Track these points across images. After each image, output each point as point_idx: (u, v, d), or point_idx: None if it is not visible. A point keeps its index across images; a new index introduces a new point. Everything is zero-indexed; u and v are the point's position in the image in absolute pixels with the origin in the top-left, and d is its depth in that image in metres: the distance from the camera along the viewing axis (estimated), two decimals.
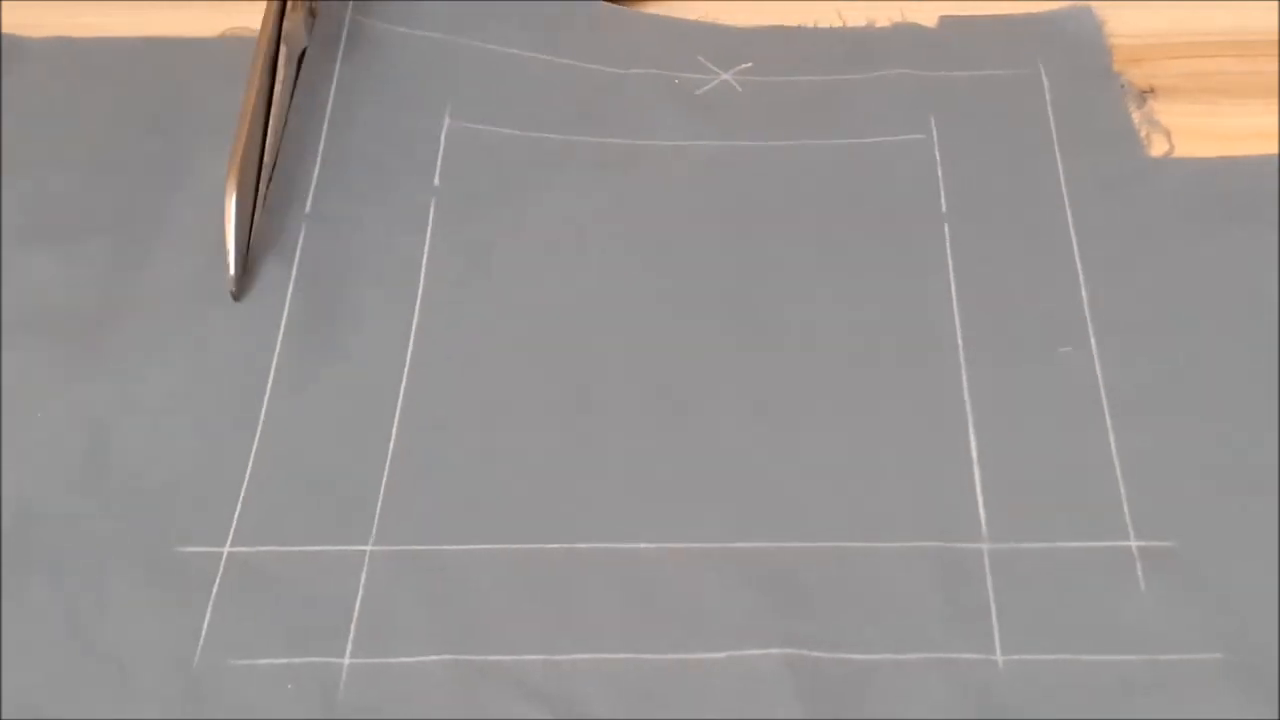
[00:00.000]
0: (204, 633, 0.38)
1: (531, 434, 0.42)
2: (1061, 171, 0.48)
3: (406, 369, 0.43)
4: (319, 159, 0.48)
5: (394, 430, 0.42)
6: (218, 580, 0.39)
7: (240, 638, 0.37)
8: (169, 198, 0.47)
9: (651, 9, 0.55)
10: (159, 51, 0.52)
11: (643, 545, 0.39)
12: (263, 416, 0.42)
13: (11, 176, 0.48)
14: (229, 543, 0.39)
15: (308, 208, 0.47)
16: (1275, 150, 0.49)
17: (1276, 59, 0.52)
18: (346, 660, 0.37)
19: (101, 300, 0.45)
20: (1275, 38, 0.52)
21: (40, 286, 0.45)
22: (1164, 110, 0.50)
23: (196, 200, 0.47)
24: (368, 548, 0.40)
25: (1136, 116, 0.50)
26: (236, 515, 0.40)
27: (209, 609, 0.38)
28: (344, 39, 0.51)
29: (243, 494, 0.40)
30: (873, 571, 0.39)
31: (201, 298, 0.45)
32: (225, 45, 0.52)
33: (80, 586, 0.38)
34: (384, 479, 0.41)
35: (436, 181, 0.48)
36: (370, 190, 0.48)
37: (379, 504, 0.40)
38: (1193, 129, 0.50)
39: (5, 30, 0.53)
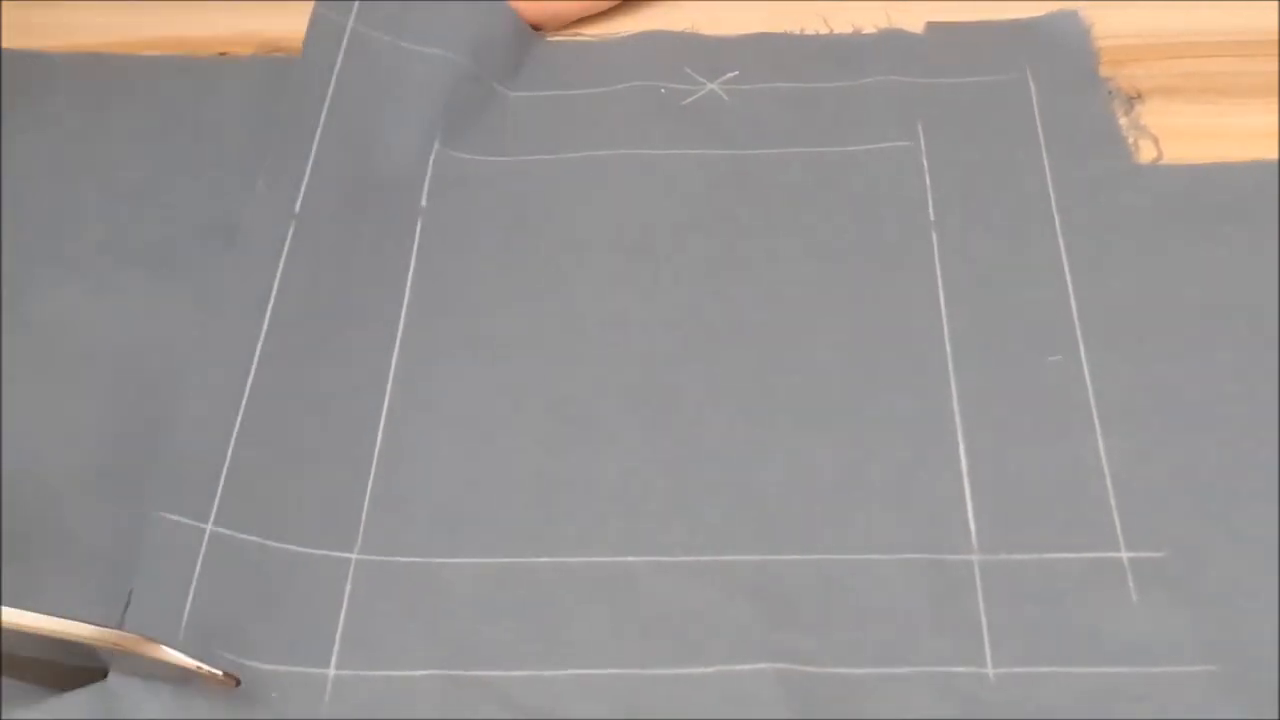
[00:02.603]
0: (186, 614, 0.38)
1: (518, 447, 0.43)
2: (1049, 178, 0.49)
3: (391, 377, 0.44)
4: (310, 160, 0.48)
5: (379, 439, 0.43)
6: (200, 559, 0.39)
7: (224, 629, 0.38)
8: (192, 228, 0.49)
9: (638, 17, 0.56)
10: (186, 70, 0.54)
11: (631, 559, 0.40)
12: (242, 410, 0.42)
13: (38, 198, 0.50)
14: (211, 520, 0.40)
15: (297, 208, 0.47)
16: (1275, 151, 0.49)
17: (1276, 59, 0.53)
18: (332, 671, 0.38)
19: (124, 326, 0.46)
20: (1275, 38, 0.53)
21: (66, 315, 0.46)
22: (1163, 111, 0.51)
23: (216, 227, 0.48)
24: (353, 556, 0.40)
25: (1124, 122, 0.51)
26: (219, 495, 0.41)
27: (192, 589, 0.39)
28: (344, 46, 0.51)
29: (224, 475, 0.41)
30: (862, 584, 0.40)
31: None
32: (256, 64, 0.54)
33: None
34: (369, 488, 0.42)
35: (424, 202, 0.49)
36: (359, 199, 0.49)
37: (364, 512, 0.41)
38: (1192, 129, 0.51)
39: (6, 32, 0.55)
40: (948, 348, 0.45)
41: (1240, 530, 0.40)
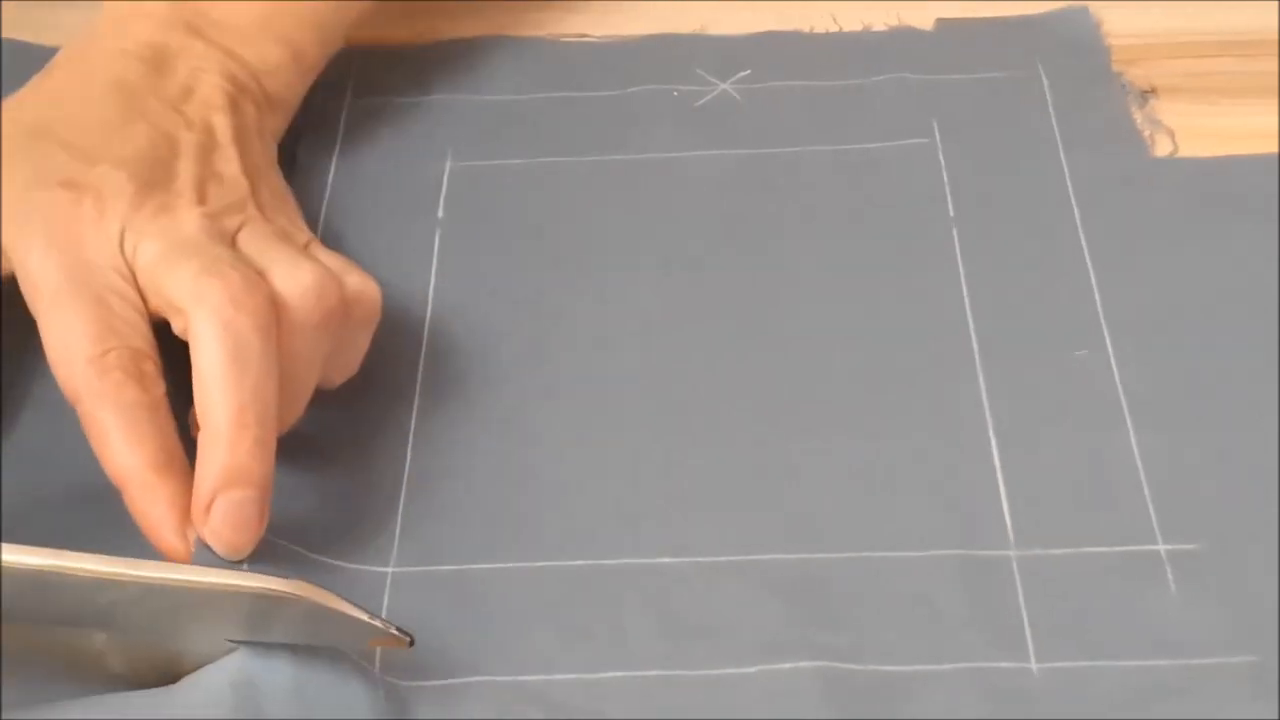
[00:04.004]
0: None
1: (547, 451, 0.43)
2: (1067, 173, 0.49)
3: (418, 389, 0.44)
4: (327, 191, 0.50)
5: (409, 452, 0.43)
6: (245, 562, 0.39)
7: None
8: None
9: (646, 18, 0.56)
10: None
11: (667, 560, 0.40)
12: None
13: None
14: None
15: (319, 231, 0.48)
16: (1276, 150, 0.50)
17: (1276, 59, 0.53)
18: None
19: None
20: (1275, 37, 0.54)
21: None
22: (1164, 110, 0.52)
23: None
24: (389, 570, 0.40)
25: (1139, 116, 0.51)
26: None
27: None
28: (343, 120, 0.53)
29: None
30: (899, 581, 0.39)
31: None
32: None
33: None
34: (401, 500, 0.42)
35: (440, 214, 0.49)
36: (376, 219, 0.49)
37: (398, 525, 0.41)
38: (1193, 129, 0.51)
39: (6, 31, 0.55)
40: (974, 344, 0.45)
41: (1275, 520, 0.40)
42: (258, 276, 0.40)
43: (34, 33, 0.54)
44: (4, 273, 0.41)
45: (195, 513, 0.38)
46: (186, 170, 0.42)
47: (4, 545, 0.34)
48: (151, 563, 0.35)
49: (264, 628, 0.36)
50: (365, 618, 0.36)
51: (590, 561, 0.40)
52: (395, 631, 0.36)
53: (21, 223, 0.40)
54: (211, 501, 0.37)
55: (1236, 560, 0.39)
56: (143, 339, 0.39)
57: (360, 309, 0.42)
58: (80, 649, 0.37)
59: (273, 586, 0.35)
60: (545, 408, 0.44)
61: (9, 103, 0.44)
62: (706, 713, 0.37)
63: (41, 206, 0.40)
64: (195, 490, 0.38)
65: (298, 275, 0.40)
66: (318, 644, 0.36)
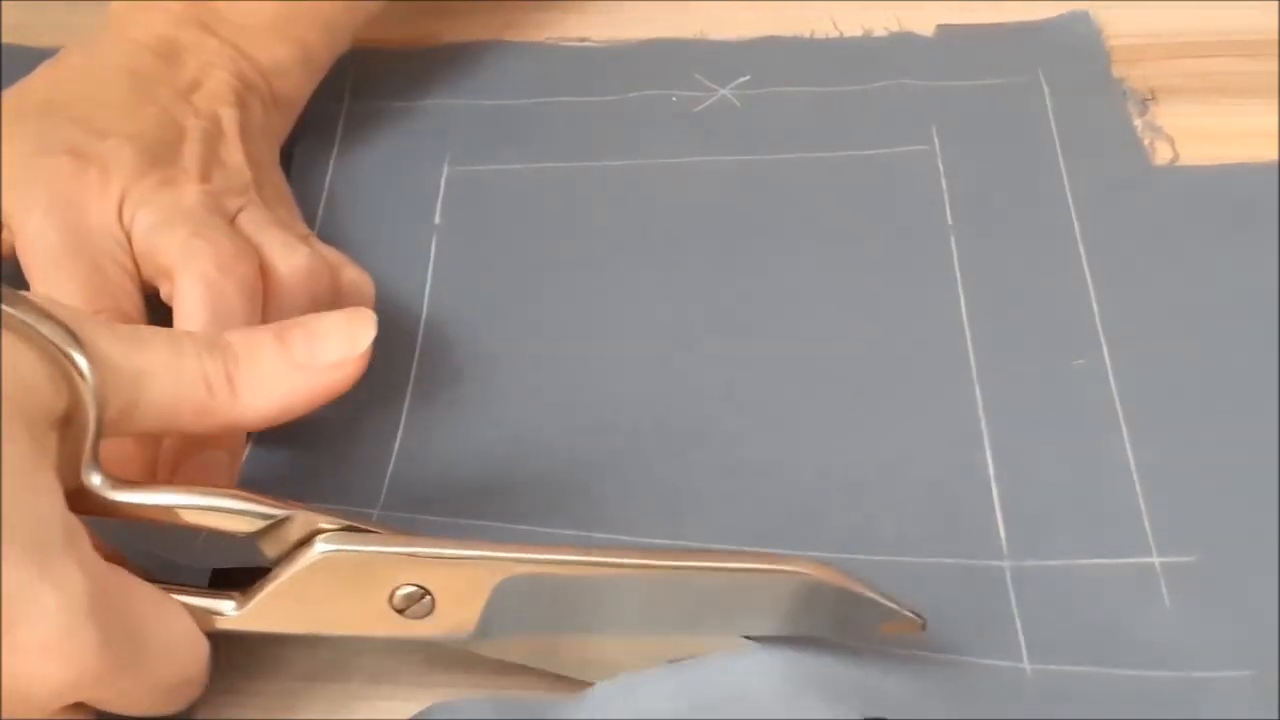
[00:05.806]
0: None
1: (542, 451, 0.43)
2: (1066, 180, 0.49)
3: (410, 387, 0.45)
4: (325, 193, 0.50)
5: (397, 445, 0.43)
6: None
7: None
8: None
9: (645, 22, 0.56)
10: None
11: (660, 542, 0.40)
12: None
13: None
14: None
15: (315, 229, 0.48)
16: (1275, 151, 0.50)
17: (1278, 59, 0.53)
18: None
19: None
20: (1275, 37, 0.54)
21: None
22: (1164, 111, 0.52)
23: None
24: (375, 512, 0.41)
25: (1139, 123, 0.51)
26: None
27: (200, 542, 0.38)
28: (341, 123, 0.53)
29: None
30: (895, 585, 0.39)
31: None
32: None
33: None
34: (384, 489, 0.42)
35: (437, 220, 0.50)
36: (373, 225, 0.49)
37: (380, 500, 0.41)
38: (1193, 129, 0.51)
39: (6, 32, 0.55)
40: (970, 352, 0.45)
41: (1271, 533, 0.40)
42: (250, 248, 0.40)
43: (34, 34, 0.54)
44: (4, 247, 0.41)
45: (161, 473, 0.38)
46: (192, 153, 0.43)
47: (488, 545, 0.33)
48: (665, 551, 0.35)
49: (773, 616, 0.35)
50: (883, 600, 0.35)
51: (581, 533, 0.40)
52: (910, 614, 0.35)
53: (25, 188, 0.41)
54: (179, 462, 0.37)
55: (1232, 573, 0.39)
56: (134, 305, 0.40)
57: (353, 303, 0.42)
58: (590, 658, 0.36)
59: (799, 569, 0.34)
60: (540, 411, 0.44)
61: (17, 86, 0.44)
62: (699, 666, 0.36)
63: (46, 172, 0.41)
64: (163, 448, 0.38)
65: (292, 256, 0.41)
66: (823, 634, 0.36)
